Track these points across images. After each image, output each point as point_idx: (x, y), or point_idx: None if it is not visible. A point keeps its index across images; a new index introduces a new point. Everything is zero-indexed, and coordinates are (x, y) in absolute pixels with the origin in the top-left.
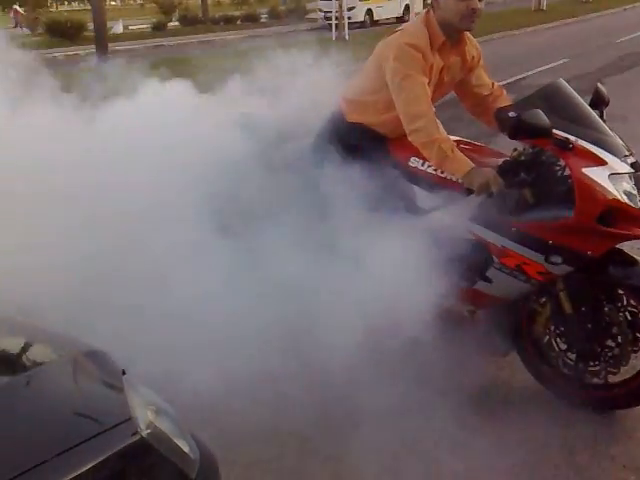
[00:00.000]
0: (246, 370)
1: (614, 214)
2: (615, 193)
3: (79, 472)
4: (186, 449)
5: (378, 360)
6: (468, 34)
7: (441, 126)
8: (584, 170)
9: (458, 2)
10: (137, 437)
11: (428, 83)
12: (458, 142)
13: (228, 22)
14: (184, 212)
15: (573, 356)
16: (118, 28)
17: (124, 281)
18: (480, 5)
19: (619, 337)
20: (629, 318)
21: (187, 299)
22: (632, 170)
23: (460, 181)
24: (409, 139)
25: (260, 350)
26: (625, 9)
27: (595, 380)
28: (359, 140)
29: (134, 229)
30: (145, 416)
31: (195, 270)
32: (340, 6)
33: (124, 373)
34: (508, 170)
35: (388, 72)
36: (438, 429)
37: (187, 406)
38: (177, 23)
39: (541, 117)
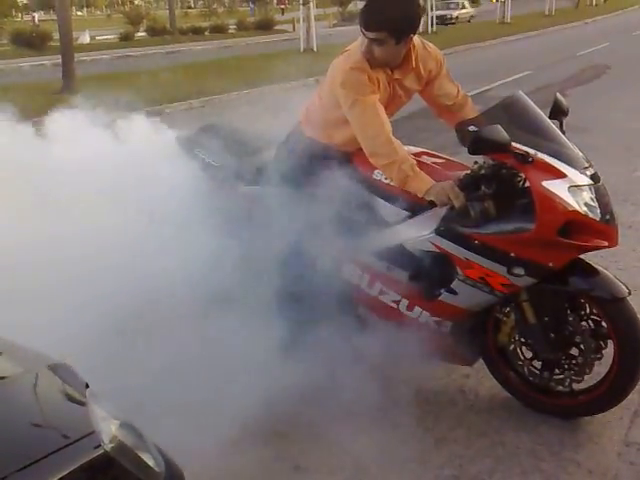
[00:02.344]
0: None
1: (574, 226)
2: (575, 205)
3: None
4: (151, 462)
5: (343, 370)
6: (428, 46)
7: (398, 143)
8: (544, 183)
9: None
10: (100, 451)
11: (380, 98)
12: (421, 153)
13: (196, 33)
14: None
15: (538, 364)
16: (85, 38)
17: None
18: (377, 52)
19: (582, 346)
20: (592, 327)
21: None
22: (591, 182)
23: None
24: (370, 161)
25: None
26: (586, 23)
27: (560, 388)
28: (322, 154)
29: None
30: (109, 430)
31: None
32: None
33: (87, 386)
34: (469, 184)
35: (339, 98)
36: (405, 438)
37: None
38: (144, 34)
39: (499, 132)
